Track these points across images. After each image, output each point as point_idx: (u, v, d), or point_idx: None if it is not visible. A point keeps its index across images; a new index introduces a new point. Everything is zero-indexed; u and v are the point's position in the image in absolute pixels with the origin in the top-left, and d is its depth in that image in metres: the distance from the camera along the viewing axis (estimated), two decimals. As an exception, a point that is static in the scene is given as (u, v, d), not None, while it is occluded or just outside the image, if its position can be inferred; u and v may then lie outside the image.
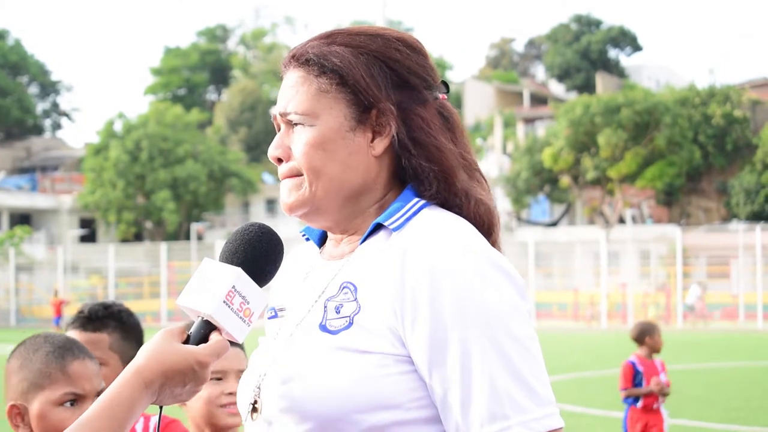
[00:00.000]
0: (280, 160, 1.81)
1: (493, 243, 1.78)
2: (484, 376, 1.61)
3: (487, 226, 1.79)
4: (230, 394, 2.79)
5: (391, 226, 1.74)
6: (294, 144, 1.79)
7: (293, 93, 1.79)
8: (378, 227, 1.78)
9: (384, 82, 1.78)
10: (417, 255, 1.67)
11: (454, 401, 1.63)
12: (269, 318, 1.90)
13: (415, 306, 1.65)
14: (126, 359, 3.00)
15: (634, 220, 53.54)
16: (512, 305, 1.66)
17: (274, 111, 1.84)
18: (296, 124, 1.79)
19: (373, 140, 1.78)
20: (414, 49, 1.83)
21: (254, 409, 1.76)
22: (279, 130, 1.84)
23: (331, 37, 1.81)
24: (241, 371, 2.80)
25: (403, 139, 1.77)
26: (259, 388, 1.76)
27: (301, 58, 1.80)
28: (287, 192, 1.80)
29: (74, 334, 3.01)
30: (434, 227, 1.71)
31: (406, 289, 1.66)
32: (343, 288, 1.74)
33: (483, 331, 1.62)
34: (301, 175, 1.78)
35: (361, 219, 1.81)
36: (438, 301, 1.63)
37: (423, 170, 1.77)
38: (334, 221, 1.81)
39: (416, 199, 1.77)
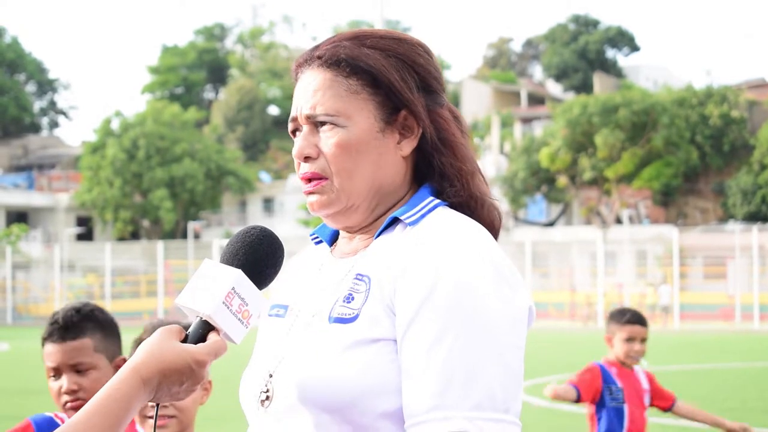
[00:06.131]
0: (306, 158, 1.82)
1: None
2: (446, 365, 1.63)
3: (495, 231, 1.84)
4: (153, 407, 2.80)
5: (407, 221, 1.78)
6: (323, 144, 1.80)
7: (321, 94, 1.80)
8: (393, 222, 1.81)
9: (413, 84, 1.82)
10: (428, 249, 1.70)
11: (409, 380, 1.65)
12: (271, 315, 1.91)
13: (414, 291, 1.67)
14: (111, 356, 2.97)
15: (630, 220, 53.54)
16: (506, 315, 1.67)
17: (295, 112, 1.83)
18: (324, 124, 1.80)
19: (399, 141, 1.81)
20: (431, 55, 1.88)
21: (267, 398, 1.77)
22: (298, 130, 1.84)
23: (359, 39, 1.83)
24: None
25: (433, 138, 1.82)
26: (271, 376, 1.77)
27: (330, 59, 1.81)
28: (319, 192, 1.81)
29: (54, 347, 2.93)
30: (449, 226, 1.74)
31: (410, 276, 1.69)
32: (357, 280, 1.76)
33: (465, 329, 1.64)
34: (327, 177, 1.80)
35: (383, 218, 1.84)
36: (435, 293, 1.66)
37: (452, 168, 1.82)
38: (360, 221, 1.84)
39: (431, 198, 1.81)
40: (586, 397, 5.81)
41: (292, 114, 1.85)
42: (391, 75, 1.79)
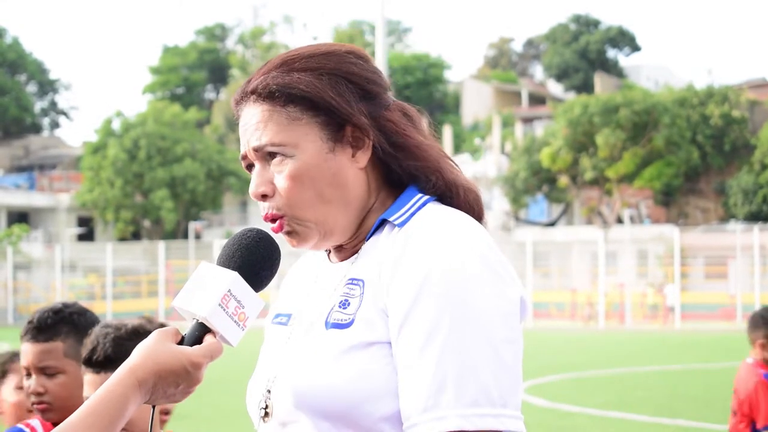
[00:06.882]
0: (264, 197, 1.81)
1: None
2: (439, 363, 1.62)
3: (477, 213, 1.83)
4: None
5: (396, 222, 1.77)
6: (277, 179, 1.78)
7: (263, 126, 1.78)
8: (382, 223, 1.80)
9: (351, 97, 1.79)
10: (418, 248, 1.69)
11: (404, 381, 1.65)
12: (274, 323, 1.91)
13: (405, 290, 1.67)
14: None
15: (632, 220, 53.54)
16: (497, 308, 1.66)
17: (244, 149, 1.81)
18: (274, 156, 1.78)
19: (354, 155, 1.80)
20: (365, 59, 1.85)
21: (266, 414, 1.77)
22: (252, 166, 1.83)
23: (286, 65, 1.81)
24: None
25: (385, 147, 1.80)
26: (269, 391, 1.77)
27: (263, 92, 1.79)
28: (287, 233, 1.80)
29: (27, 346, 2.90)
30: (437, 223, 1.73)
31: (400, 277, 1.68)
32: (351, 284, 1.76)
33: (456, 325, 1.63)
34: (285, 215, 1.78)
35: (364, 222, 1.83)
36: (425, 292, 1.65)
37: (417, 169, 1.81)
38: (343, 239, 1.83)
39: (420, 195, 1.80)
40: None
41: (242, 151, 1.83)
42: (326, 94, 1.77)
